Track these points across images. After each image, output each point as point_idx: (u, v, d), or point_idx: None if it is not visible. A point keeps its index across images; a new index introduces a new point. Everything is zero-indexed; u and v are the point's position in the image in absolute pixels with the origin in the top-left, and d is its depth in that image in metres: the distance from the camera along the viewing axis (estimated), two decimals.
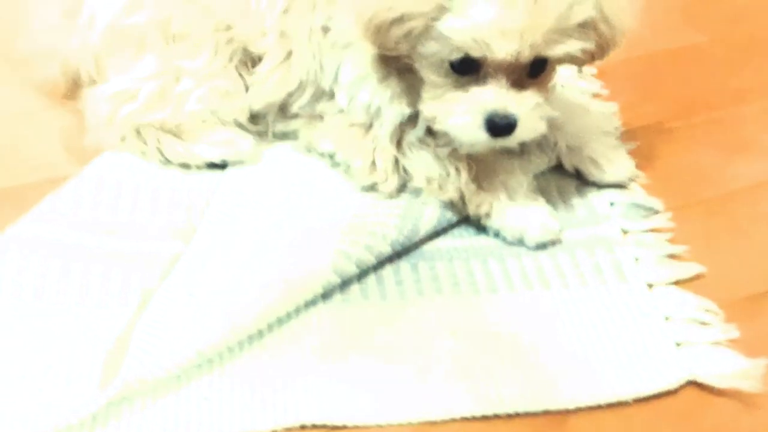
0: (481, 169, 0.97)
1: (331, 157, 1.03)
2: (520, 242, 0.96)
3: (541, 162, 1.04)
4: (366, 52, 0.95)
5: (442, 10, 0.84)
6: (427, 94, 0.92)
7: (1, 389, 0.80)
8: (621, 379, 0.83)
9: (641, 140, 1.11)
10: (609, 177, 1.03)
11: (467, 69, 0.87)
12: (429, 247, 0.96)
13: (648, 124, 1.14)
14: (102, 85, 1.05)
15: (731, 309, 0.90)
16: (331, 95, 1.02)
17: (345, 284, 0.91)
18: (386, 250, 0.93)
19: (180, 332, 0.83)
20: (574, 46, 0.86)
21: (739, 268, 0.95)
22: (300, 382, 0.82)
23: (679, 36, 1.33)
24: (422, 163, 0.97)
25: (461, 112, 0.89)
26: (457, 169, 0.96)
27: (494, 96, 0.87)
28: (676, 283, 0.93)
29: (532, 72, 0.88)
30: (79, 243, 0.94)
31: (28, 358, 0.83)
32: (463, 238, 0.98)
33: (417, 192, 0.98)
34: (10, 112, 1.14)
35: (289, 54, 1.02)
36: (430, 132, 0.98)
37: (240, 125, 1.06)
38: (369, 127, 1.00)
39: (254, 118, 1.07)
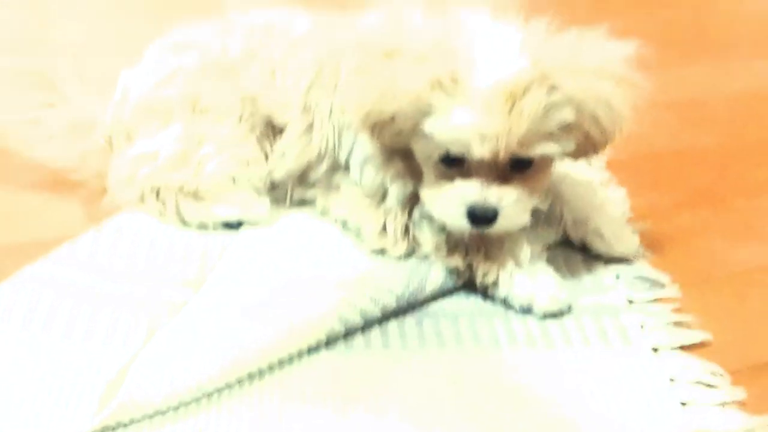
0: (489, 239, 0.99)
1: (344, 223, 1.06)
2: (528, 311, 0.97)
3: (548, 235, 1.06)
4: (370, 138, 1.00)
5: (426, 113, 0.89)
6: (425, 181, 0.97)
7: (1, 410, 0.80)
8: (625, 431, 0.81)
9: (648, 226, 1.12)
10: (615, 250, 1.04)
11: (452, 163, 0.93)
12: (434, 306, 0.97)
13: (656, 212, 1.16)
14: (127, 149, 1.10)
15: (737, 375, 0.88)
16: (347, 168, 1.06)
17: (349, 334, 0.92)
18: (391, 304, 0.94)
19: (181, 364, 0.83)
20: (550, 148, 0.90)
21: (745, 337, 0.95)
22: (297, 426, 0.81)
23: (686, 137, 1.37)
24: (431, 230, 1.00)
25: (445, 202, 0.94)
26: (465, 239, 0.98)
27: (475, 190, 0.92)
28: (682, 348, 0.92)
29: (516, 167, 0.92)
30: (91, 286, 0.96)
31: (29, 384, 0.83)
32: (468, 299, 0.98)
33: (425, 257, 1.00)
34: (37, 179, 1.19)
35: (310, 126, 1.07)
36: None
37: (258, 192, 1.10)
38: (382, 199, 1.03)
39: (273, 185, 1.11)
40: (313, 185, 1.10)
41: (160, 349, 0.85)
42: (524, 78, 0.86)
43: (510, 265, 0.97)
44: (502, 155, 0.89)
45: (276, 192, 1.11)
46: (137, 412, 0.79)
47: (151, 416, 0.80)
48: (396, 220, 1.02)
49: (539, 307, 0.96)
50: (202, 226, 1.07)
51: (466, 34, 0.91)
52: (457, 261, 0.98)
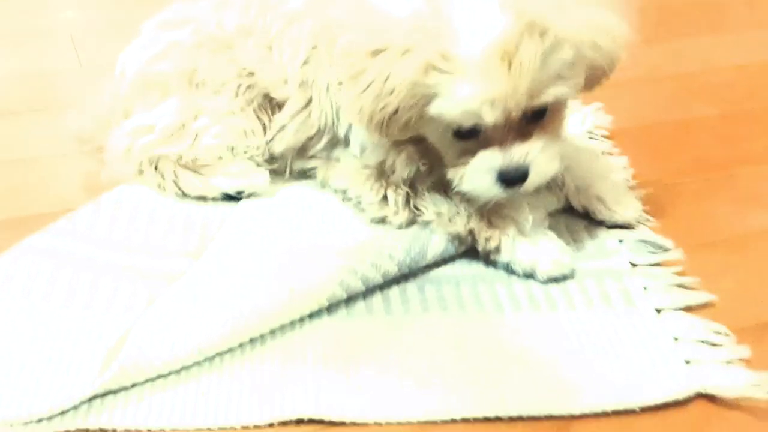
0: (490, 205, 0.98)
1: (344, 193, 1.05)
2: (531, 276, 0.96)
3: (550, 202, 1.05)
4: None
5: (427, 97, 0.89)
6: (447, 162, 0.96)
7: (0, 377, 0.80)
8: (628, 389, 0.81)
9: (651, 192, 1.12)
10: (617, 216, 1.04)
11: (469, 136, 0.91)
12: (436, 272, 0.97)
13: (658, 179, 1.15)
14: (124, 122, 1.10)
15: (741, 334, 0.88)
16: (347, 143, 1.05)
17: (350, 300, 0.91)
18: (393, 269, 0.93)
19: (182, 327, 0.83)
20: (560, 90, 0.89)
21: (748, 298, 0.94)
22: (300, 384, 0.81)
23: (689, 109, 1.36)
24: (433, 199, 0.99)
25: (473, 175, 0.92)
26: (466, 206, 0.98)
27: (499, 154, 0.90)
28: (685, 309, 0.92)
29: (531, 119, 0.91)
30: (91, 256, 0.96)
31: (29, 351, 0.83)
32: (470, 265, 0.98)
33: (426, 225, 0.99)
34: (41, 154, 1.19)
35: (309, 101, 1.06)
36: (441, 179, 1.00)
37: (257, 163, 1.09)
38: (382, 170, 1.02)
39: (272, 158, 1.11)
40: (313, 157, 1.09)
41: (161, 313, 0.85)
42: (512, 33, 0.85)
43: (512, 231, 0.97)
44: (514, 114, 0.88)
45: (275, 164, 1.11)
46: (138, 374, 0.79)
47: (152, 379, 0.80)
48: (397, 191, 1.01)
49: (542, 272, 0.95)
50: (201, 198, 1.07)
51: (444, 10, 0.89)
52: (459, 227, 0.97)
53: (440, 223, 0.98)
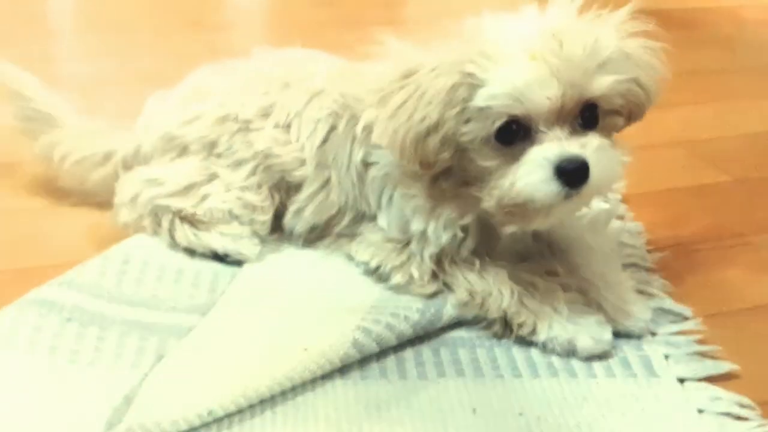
0: (524, 290, 0.95)
1: (366, 264, 1.02)
2: (570, 355, 0.91)
3: None
4: (413, 184, 0.96)
5: (473, 87, 0.86)
6: (485, 184, 0.89)
7: None
8: None
9: (666, 259, 1.10)
10: (618, 326, 0.95)
11: (515, 137, 0.86)
12: (451, 334, 0.94)
13: (673, 245, 1.14)
14: (139, 169, 1.08)
15: (766, 407, 0.86)
16: (373, 218, 1.03)
17: (364, 362, 0.89)
18: (408, 331, 0.91)
19: (191, 387, 0.81)
20: (610, 79, 0.86)
21: None
22: None
23: (702, 175, 1.36)
24: (464, 275, 0.96)
25: (527, 172, 0.85)
26: (500, 290, 0.94)
27: (555, 145, 0.85)
28: (709, 379, 0.89)
29: (585, 123, 0.87)
30: (98, 311, 0.93)
31: (31, 408, 0.80)
32: (486, 329, 0.96)
33: (459, 307, 0.95)
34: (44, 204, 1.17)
35: (327, 182, 1.04)
36: (475, 252, 0.98)
37: (257, 235, 1.07)
38: (407, 243, 1.00)
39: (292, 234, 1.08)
40: (340, 235, 1.06)
41: (170, 371, 0.83)
42: (564, 19, 0.85)
43: (548, 310, 0.93)
44: (569, 96, 0.84)
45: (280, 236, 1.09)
46: None
47: None
48: (423, 266, 0.98)
49: (582, 350, 0.91)
50: (189, 251, 1.05)
51: (479, 32, 0.88)
52: (493, 311, 0.93)
53: (473, 305, 0.94)
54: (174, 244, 1.05)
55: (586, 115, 0.87)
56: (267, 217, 1.07)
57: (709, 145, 1.44)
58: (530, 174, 0.85)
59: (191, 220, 1.06)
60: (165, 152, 1.09)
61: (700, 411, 0.85)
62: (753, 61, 1.89)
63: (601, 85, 0.86)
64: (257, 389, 0.81)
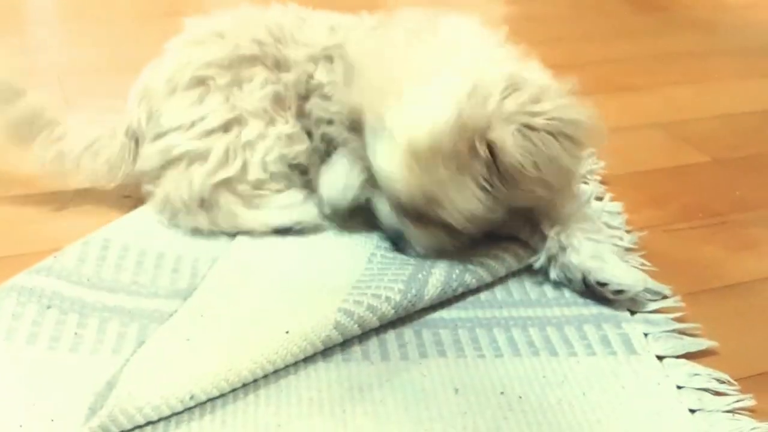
0: None
1: None
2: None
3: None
4: None
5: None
6: None
7: None
8: None
9: (645, 238, 1.11)
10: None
11: None
12: (433, 316, 0.95)
13: (653, 226, 1.15)
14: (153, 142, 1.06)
15: (745, 383, 0.87)
16: None
17: (346, 344, 0.89)
18: (389, 312, 0.91)
19: (173, 372, 0.80)
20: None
21: (749, 346, 0.93)
22: (294, 429, 0.78)
23: (681, 156, 1.37)
24: None
25: None
26: None
27: None
28: (687, 356, 0.90)
29: None
30: (78, 297, 0.93)
31: (12, 396, 0.80)
32: (467, 309, 0.96)
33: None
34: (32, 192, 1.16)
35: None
36: None
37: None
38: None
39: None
40: None
41: (151, 356, 0.82)
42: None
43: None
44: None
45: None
46: (127, 421, 0.76)
47: (142, 426, 0.77)
48: None
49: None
50: (199, 233, 1.05)
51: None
52: None
53: None
54: (236, 231, 1.04)
55: None
56: (306, 144, 1.08)
57: (689, 126, 1.45)
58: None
59: (249, 195, 1.05)
60: (187, 89, 1.06)
61: (679, 387, 0.86)
62: (732, 44, 1.90)
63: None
64: (239, 373, 0.82)
